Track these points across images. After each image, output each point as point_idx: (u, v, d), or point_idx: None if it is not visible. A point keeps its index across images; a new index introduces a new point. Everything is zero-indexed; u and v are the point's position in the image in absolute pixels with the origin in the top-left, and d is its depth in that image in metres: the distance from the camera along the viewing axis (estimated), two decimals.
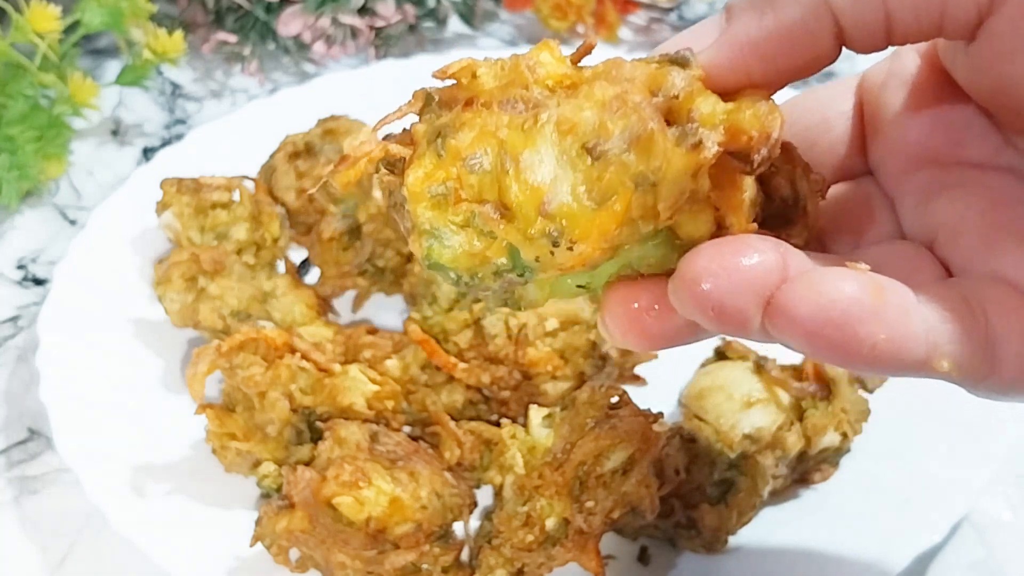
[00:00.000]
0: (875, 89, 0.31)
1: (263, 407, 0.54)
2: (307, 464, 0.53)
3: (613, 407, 0.50)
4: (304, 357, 0.55)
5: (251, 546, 0.51)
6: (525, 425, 0.54)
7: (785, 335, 0.24)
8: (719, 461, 0.53)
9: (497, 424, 0.57)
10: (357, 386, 0.55)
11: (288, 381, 0.54)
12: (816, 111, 0.32)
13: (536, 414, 0.53)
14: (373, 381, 0.56)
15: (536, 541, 0.49)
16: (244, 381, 0.53)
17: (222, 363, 0.54)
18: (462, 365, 0.56)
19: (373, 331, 0.61)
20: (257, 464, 0.56)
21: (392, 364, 0.57)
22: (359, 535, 0.49)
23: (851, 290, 0.24)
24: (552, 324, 0.55)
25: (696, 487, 0.53)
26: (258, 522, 0.50)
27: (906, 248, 0.30)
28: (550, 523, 0.49)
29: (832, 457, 0.57)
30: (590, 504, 0.48)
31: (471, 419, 0.58)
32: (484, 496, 0.57)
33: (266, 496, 0.57)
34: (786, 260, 0.25)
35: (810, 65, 0.25)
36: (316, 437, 0.55)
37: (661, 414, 0.50)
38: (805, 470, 0.57)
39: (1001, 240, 0.27)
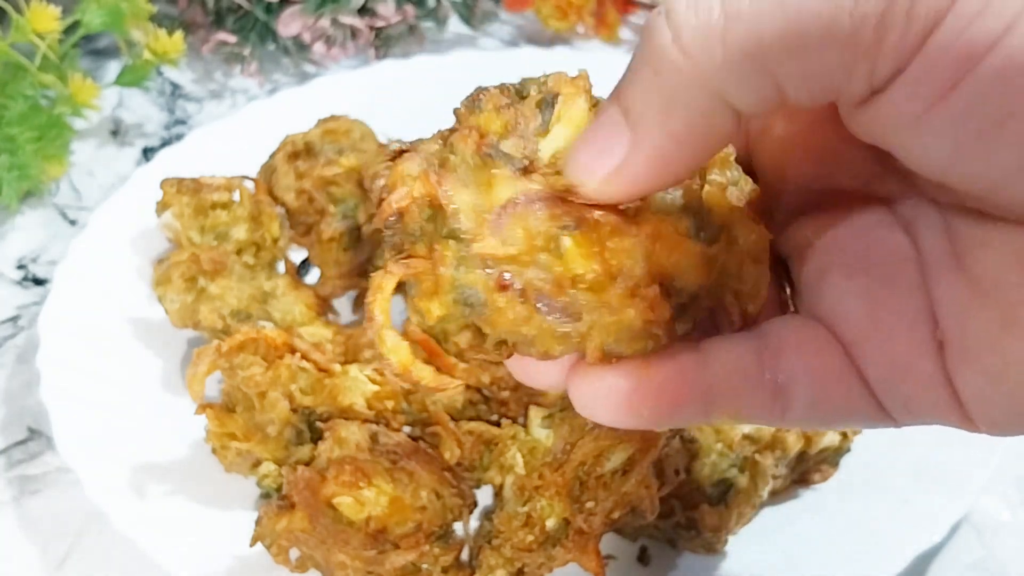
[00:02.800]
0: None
1: (263, 407, 0.54)
2: (307, 464, 0.53)
3: None
4: (304, 357, 0.55)
5: (251, 546, 0.51)
6: (525, 425, 0.54)
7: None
8: (719, 461, 0.53)
9: (497, 424, 0.57)
10: (357, 386, 0.55)
11: (288, 381, 0.54)
12: None
13: (536, 414, 0.53)
14: (373, 381, 0.56)
15: (536, 541, 0.49)
16: (244, 381, 0.53)
17: (222, 363, 0.54)
18: (462, 365, 0.56)
19: None
20: (257, 464, 0.56)
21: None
22: (359, 535, 0.49)
23: (612, 378, 0.28)
24: None
25: (696, 487, 0.53)
26: (258, 522, 0.51)
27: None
28: (550, 523, 0.49)
29: (832, 457, 0.57)
30: (590, 504, 0.48)
31: (471, 419, 0.58)
32: (484, 496, 0.57)
33: (266, 496, 0.57)
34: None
35: (716, 150, 0.26)
36: (316, 437, 0.55)
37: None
38: (805, 470, 0.57)
39: (830, 273, 0.28)
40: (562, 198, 0.27)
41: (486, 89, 0.30)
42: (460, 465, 0.55)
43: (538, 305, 0.27)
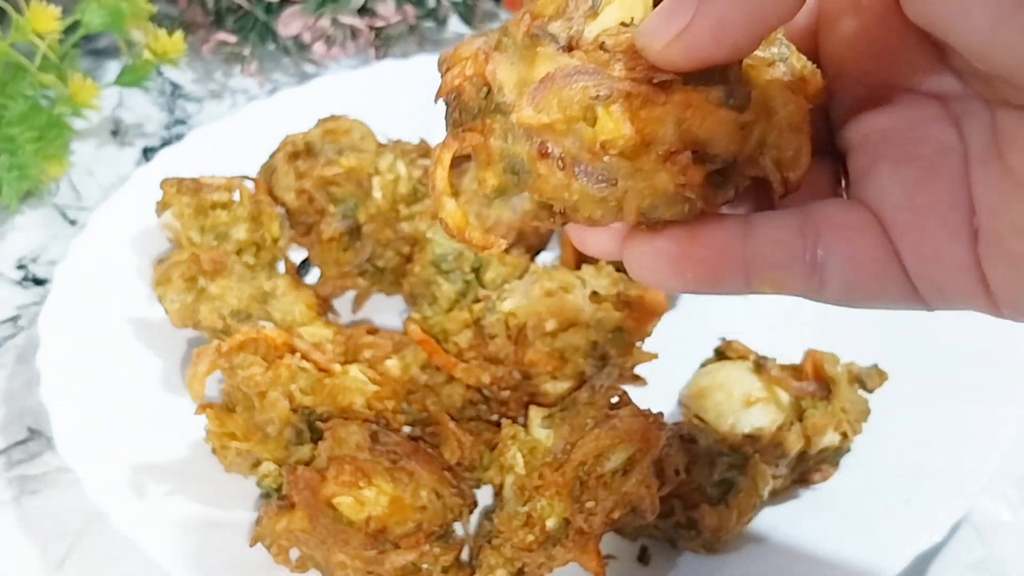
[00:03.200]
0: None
1: (263, 407, 0.54)
2: (307, 464, 0.53)
3: (613, 407, 0.50)
4: (304, 357, 0.55)
5: (251, 546, 0.51)
6: (525, 425, 0.54)
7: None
8: (719, 461, 0.53)
9: (497, 424, 0.57)
10: (357, 386, 0.55)
11: (288, 381, 0.54)
12: None
13: (536, 414, 0.53)
14: (373, 381, 0.56)
15: (536, 541, 0.49)
16: (244, 381, 0.53)
17: (222, 363, 0.54)
18: (462, 365, 0.56)
19: (373, 331, 0.61)
20: (257, 464, 0.56)
21: (392, 364, 0.57)
22: (359, 535, 0.49)
23: (661, 243, 0.30)
24: (551, 325, 0.55)
25: (696, 487, 0.53)
26: (258, 522, 0.51)
27: (819, 164, 0.32)
28: (550, 523, 0.49)
29: (832, 457, 0.57)
30: (590, 504, 0.48)
31: (471, 419, 0.58)
32: (484, 496, 0.57)
33: (266, 496, 0.57)
34: None
35: (777, 24, 0.27)
36: (316, 437, 0.55)
37: (661, 414, 0.50)
38: (805, 470, 0.57)
39: (879, 163, 0.30)
40: (600, 71, 0.28)
41: None
42: (460, 465, 0.55)
43: (576, 171, 0.29)
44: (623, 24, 0.30)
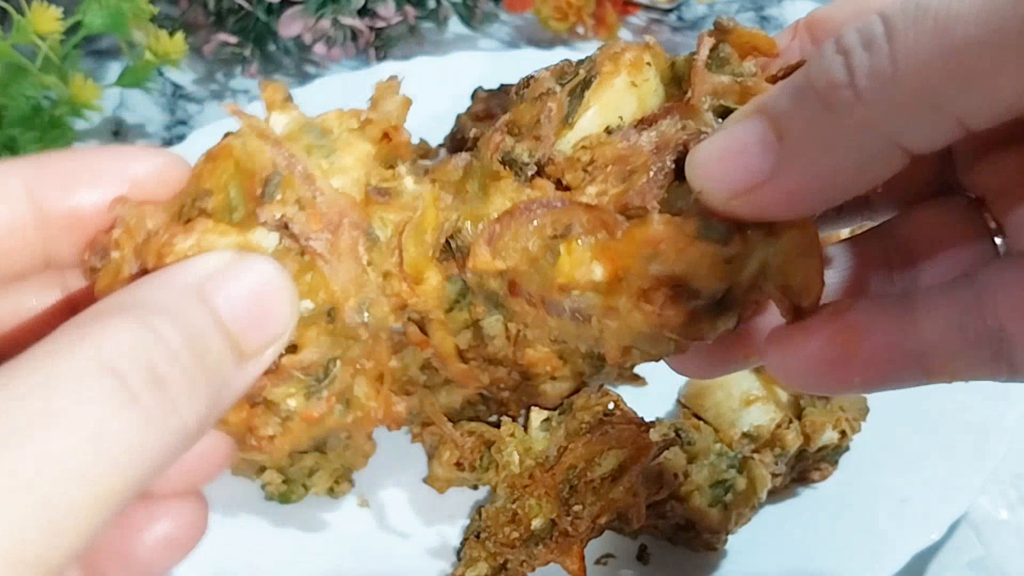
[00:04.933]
0: None
1: None
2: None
3: (608, 413, 0.50)
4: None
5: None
6: (526, 426, 0.54)
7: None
8: (718, 462, 0.53)
9: (496, 425, 0.57)
10: None
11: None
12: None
13: (537, 417, 0.53)
14: None
15: (520, 538, 0.49)
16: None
17: None
18: (461, 366, 0.57)
19: None
20: (263, 469, 0.56)
21: (393, 365, 0.57)
22: None
23: (816, 347, 0.26)
24: None
25: (695, 488, 0.53)
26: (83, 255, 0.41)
27: (952, 211, 0.29)
28: (536, 522, 0.49)
29: (831, 456, 0.57)
30: (577, 508, 0.49)
31: (470, 419, 0.58)
32: (481, 494, 0.57)
33: (270, 499, 0.57)
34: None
35: (875, 186, 0.24)
36: (318, 446, 0.55)
37: (653, 423, 0.50)
38: (804, 469, 0.57)
39: None
40: (563, 201, 0.26)
41: (538, 72, 0.29)
42: (460, 465, 0.55)
43: (548, 308, 0.27)
44: (607, 130, 0.27)
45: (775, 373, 0.28)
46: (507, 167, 0.27)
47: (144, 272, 0.26)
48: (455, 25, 0.97)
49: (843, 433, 0.56)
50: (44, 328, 0.22)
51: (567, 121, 0.28)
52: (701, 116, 0.26)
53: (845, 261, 0.31)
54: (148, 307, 0.23)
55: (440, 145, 0.76)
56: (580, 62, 0.29)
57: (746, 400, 0.57)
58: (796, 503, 0.57)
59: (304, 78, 0.93)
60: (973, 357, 0.26)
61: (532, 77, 0.29)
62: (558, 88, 0.28)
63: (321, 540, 0.57)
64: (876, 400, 0.58)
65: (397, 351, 0.58)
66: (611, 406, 0.51)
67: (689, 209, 0.25)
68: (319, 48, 0.88)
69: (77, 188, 0.26)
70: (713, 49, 0.28)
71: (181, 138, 0.86)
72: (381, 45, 0.92)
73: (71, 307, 0.24)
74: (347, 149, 0.30)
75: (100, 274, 0.26)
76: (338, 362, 0.29)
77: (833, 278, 0.30)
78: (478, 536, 0.51)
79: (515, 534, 0.49)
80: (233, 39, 0.89)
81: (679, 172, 0.26)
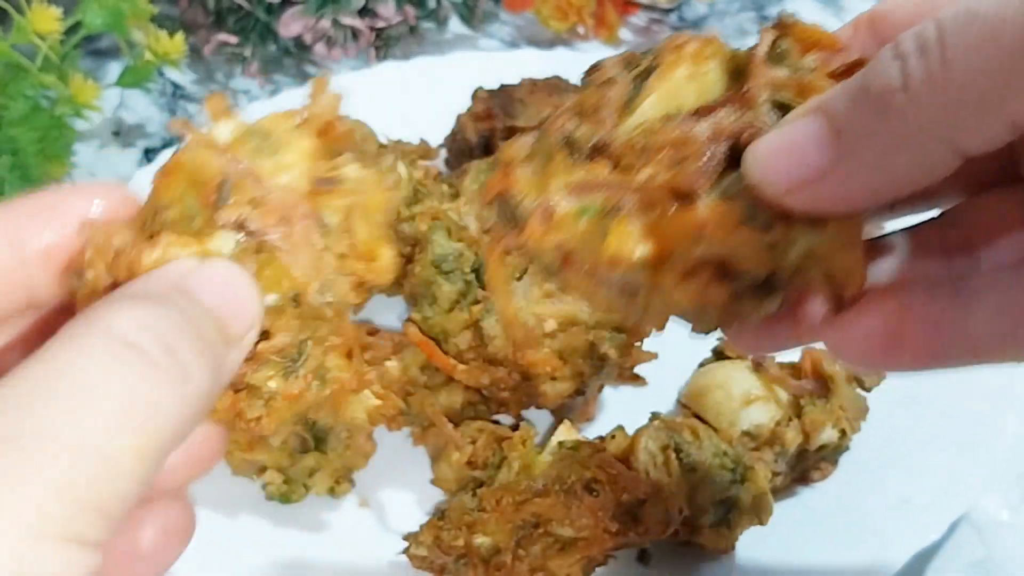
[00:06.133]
0: None
1: None
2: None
3: (596, 480, 0.51)
4: None
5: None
6: (544, 441, 0.55)
7: None
8: (719, 477, 0.53)
9: (495, 424, 0.58)
10: (360, 400, 0.55)
11: None
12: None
13: (560, 435, 0.54)
14: (376, 395, 0.56)
15: (456, 549, 0.50)
16: None
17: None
18: (461, 367, 0.57)
19: (374, 331, 0.61)
20: (264, 469, 0.56)
21: (391, 365, 0.57)
22: None
23: (868, 326, 0.28)
24: (551, 325, 0.55)
25: (698, 508, 0.52)
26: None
27: (1013, 201, 0.30)
28: (482, 540, 0.50)
29: (831, 455, 0.57)
30: (521, 552, 0.50)
31: (470, 419, 0.58)
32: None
33: (271, 499, 0.57)
34: None
35: (927, 185, 0.25)
36: (319, 446, 0.55)
37: (617, 523, 0.50)
38: (805, 468, 0.57)
39: None
40: (617, 182, 0.28)
41: (605, 60, 0.31)
42: (471, 463, 0.55)
43: (598, 280, 0.29)
44: (666, 117, 0.28)
45: (831, 350, 0.29)
46: (567, 147, 0.29)
47: (117, 286, 0.28)
48: (455, 25, 0.97)
49: (843, 432, 0.56)
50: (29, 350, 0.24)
51: (628, 107, 0.29)
52: (758, 108, 0.28)
53: (903, 247, 0.32)
54: (144, 295, 0.26)
55: (440, 145, 0.76)
56: (645, 52, 0.30)
57: (746, 400, 0.57)
58: (796, 502, 0.57)
59: (304, 78, 0.93)
60: (1022, 340, 0.27)
61: (598, 64, 0.31)
62: (621, 75, 0.30)
63: (321, 540, 0.57)
64: (876, 400, 0.58)
65: (397, 351, 0.58)
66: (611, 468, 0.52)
67: (737, 196, 0.27)
68: (319, 48, 0.88)
69: (48, 225, 0.29)
70: (774, 43, 0.29)
71: (181, 138, 0.86)
72: (381, 45, 0.92)
73: (51, 331, 0.25)
74: (290, 147, 0.31)
75: (79, 294, 0.28)
76: (309, 342, 0.32)
77: (891, 263, 0.31)
78: (440, 518, 0.51)
79: (458, 541, 0.49)
80: (233, 39, 0.89)
81: (731, 160, 0.27)
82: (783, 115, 0.27)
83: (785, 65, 0.29)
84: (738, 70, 0.29)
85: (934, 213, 0.32)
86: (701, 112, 0.28)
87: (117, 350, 0.23)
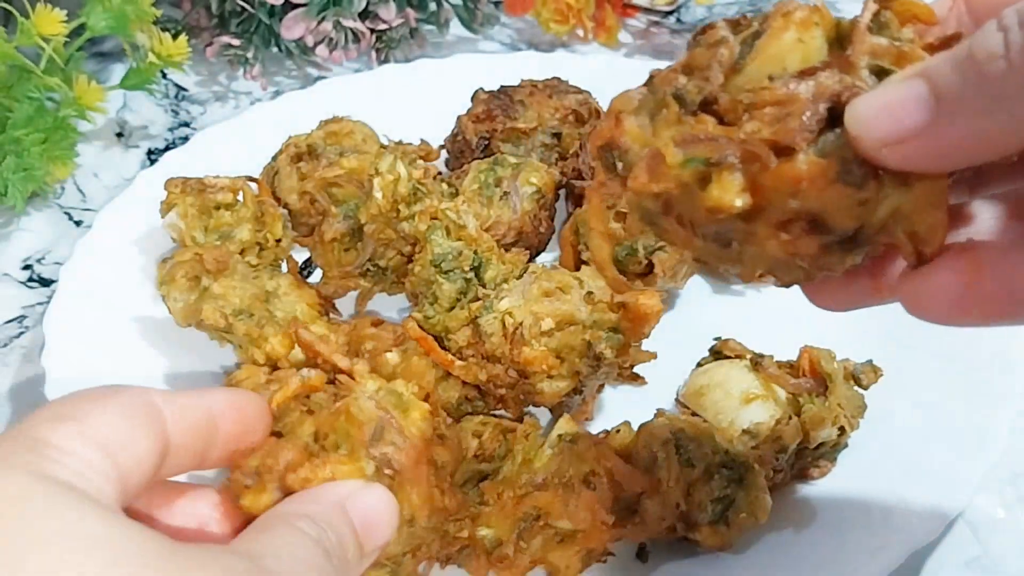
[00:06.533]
0: None
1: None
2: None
3: (594, 474, 0.51)
4: (308, 349, 0.55)
5: (217, 492, 0.49)
6: (550, 428, 0.55)
7: None
8: (718, 475, 0.53)
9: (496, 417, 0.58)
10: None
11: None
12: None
13: (562, 427, 0.54)
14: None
15: (460, 540, 0.51)
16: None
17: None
18: (459, 362, 0.57)
19: (378, 323, 0.61)
20: None
21: (391, 357, 0.58)
22: None
23: (943, 280, 0.29)
24: (548, 324, 0.55)
25: (696, 505, 0.52)
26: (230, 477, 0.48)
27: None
28: (485, 532, 0.51)
29: (830, 453, 0.57)
30: (523, 544, 0.50)
31: (467, 415, 0.58)
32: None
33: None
34: None
35: (1015, 150, 0.27)
36: None
37: (614, 516, 0.51)
38: (804, 466, 0.57)
39: None
40: (720, 136, 0.29)
41: (717, 21, 0.32)
42: (478, 457, 0.55)
43: (695, 229, 0.30)
44: (771, 77, 0.29)
45: (907, 306, 0.30)
46: (676, 101, 0.30)
47: (287, 492, 0.38)
48: (456, 27, 0.98)
49: (842, 430, 0.56)
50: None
51: (736, 67, 0.30)
52: (858, 72, 0.29)
53: (983, 212, 0.34)
54: (315, 513, 0.35)
55: (440, 146, 0.77)
56: (755, 16, 0.32)
57: (745, 398, 0.57)
58: (795, 500, 0.57)
59: (306, 80, 0.94)
60: None
61: (710, 25, 0.32)
62: (731, 37, 0.31)
63: None
64: (873, 400, 0.58)
65: (398, 344, 0.60)
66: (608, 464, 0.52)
67: (834, 154, 0.28)
68: (321, 50, 0.89)
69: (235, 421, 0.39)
70: (876, 14, 0.31)
71: (184, 139, 0.86)
72: (383, 47, 0.92)
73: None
74: (414, 407, 0.44)
75: (250, 490, 0.38)
76: (407, 555, 0.45)
77: (970, 227, 0.33)
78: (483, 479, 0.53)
79: (463, 532, 0.50)
80: (236, 41, 0.90)
81: (831, 120, 0.28)
82: (881, 80, 0.29)
83: (885, 35, 0.30)
84: (840, 38, 0.31)
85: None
86: (804, 74, 0.29)
87: (314, 550, 0.33)
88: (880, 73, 0.29)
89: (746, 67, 0.30)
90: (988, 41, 0.25)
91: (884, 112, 0.27)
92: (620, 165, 0.32)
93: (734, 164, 0.28)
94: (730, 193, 0.28)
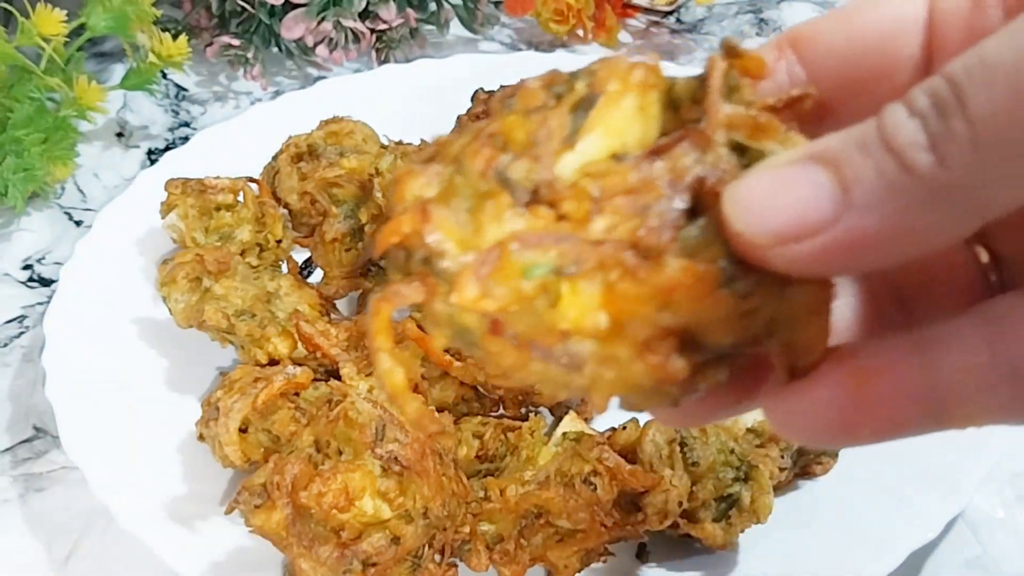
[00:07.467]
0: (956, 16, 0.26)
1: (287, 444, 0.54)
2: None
3: (595, 473, 0.51)
4: (309, 344, 0.56)
5: (226, 513, 0.50)
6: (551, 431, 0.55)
7: None
8: (722, 474, 0.53)
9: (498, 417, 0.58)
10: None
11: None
12: (872, 50, 0.27)
13: (567, 425, 0.54)
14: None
15: (462, 535, 0.51)
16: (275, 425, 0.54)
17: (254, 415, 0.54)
18: (457, 363, 0.57)
19: None
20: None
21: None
22: (329, 546, 0.47)
23: (823, 394, 0.24)
24: None
25: (700, 503, 0.53)
26: (236, 502, 0.49)
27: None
28: (487, 528, 0.51)
29: (832, 449, 0.58)
30: (523, 541, 0.50)
31: (464, 415, 0.58)
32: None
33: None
34: None
35: (937, 248, 0.23)
36: None
37: (618, 519, 0.51)
38: (806, 463, 0.58)
39: None
40: (568, 236, 0.23)
41: (528, 81, 0.26)
42: (480, 457, 0.55)
43: (533, 353, 0.24)
44: (615, 156, 0.24)
45: (776, 427, 0.25)
46: (502, 187, 0.24)
47: (300, 509, 0.40)
48: (456, 28, 0.98)
49: None
50: None
51: (568, 141, 0.24)
52: (716, 150, 0.24)
53: (853, 295, 0.29)
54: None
55: None
56: (573, 74, 0.26)
57: None
58: (794, 501, 0.57)
59: (306, 80, 0.94)
60: (992, 399, 0.24)
61: (520, 86, 0.26)
62: (553, 102, 0.25)
63: None
64: None
65: (398, 343, 0.61)
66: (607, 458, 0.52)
67: (705, 253, 0.23)
68: (321, 50, 0.89)
69: None
70: (725, 74, 0.26)
71: (184, 140, 0.86)
72: (383, 47, 0.92)
73: None
74: (410, 402, 0.39)
75: (260, 509, 0.39)
76: (426, 547, 0.47)
77: (844, 312, 0.29)
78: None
79: (465, 528, 0.50)
80: (236, 41, 0.90)
81: (694, 210, 0.23)
82: (741, 157, 0.24)
83: (735, 100, 0.25)
84: (675, 102, 0.26)
85: None
86: (655, 152, 0.24)
87: None
88: (739, 148, 0.24)
89: (580, 143, 0.24)
90: (904, 128, 0.21)
91: (777, 202, 0.22)
92: (427, 270, 0.24)
93: (588, 271, 0.23)
94: (586, 308, 0.23)
